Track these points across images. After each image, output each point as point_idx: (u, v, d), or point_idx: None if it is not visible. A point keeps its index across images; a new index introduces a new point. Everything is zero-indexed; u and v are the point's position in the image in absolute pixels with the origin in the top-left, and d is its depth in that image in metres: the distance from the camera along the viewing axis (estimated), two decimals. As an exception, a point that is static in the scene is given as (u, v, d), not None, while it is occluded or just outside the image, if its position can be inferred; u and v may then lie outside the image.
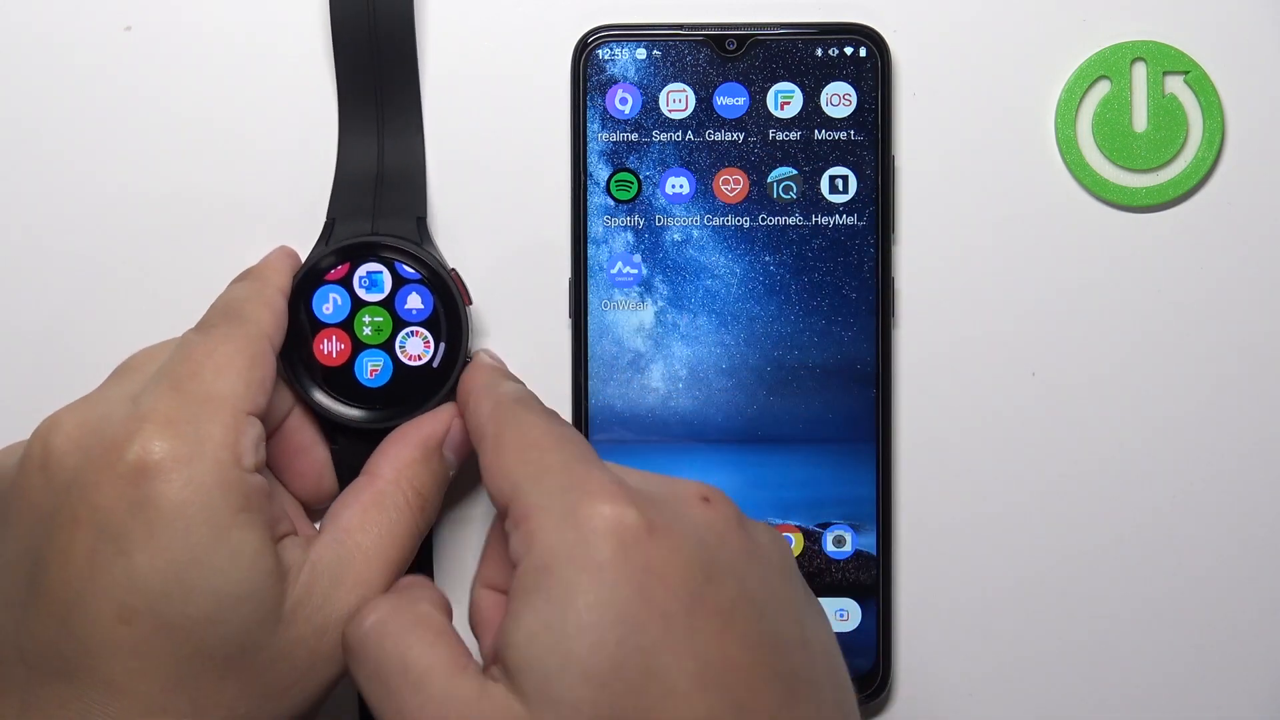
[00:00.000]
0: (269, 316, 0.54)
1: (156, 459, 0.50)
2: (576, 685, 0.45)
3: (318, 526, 0.57)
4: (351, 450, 0.58)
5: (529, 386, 0.60)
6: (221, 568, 0.50)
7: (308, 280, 0.57)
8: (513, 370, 0.60)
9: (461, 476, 0.59)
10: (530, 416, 0.51)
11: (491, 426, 0.51)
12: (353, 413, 0.57)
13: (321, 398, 0.57)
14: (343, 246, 0.57)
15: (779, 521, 0.59)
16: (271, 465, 0.57)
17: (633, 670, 0.45)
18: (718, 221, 0.59)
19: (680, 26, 0.59)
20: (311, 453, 0.58)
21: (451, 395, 0.57)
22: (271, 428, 0.56)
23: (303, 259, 0.58)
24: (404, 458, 0.56)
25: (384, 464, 0.55)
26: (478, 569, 0.51)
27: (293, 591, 0.51)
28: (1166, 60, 0.59)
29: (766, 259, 0.59)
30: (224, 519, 0.50)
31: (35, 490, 0.51)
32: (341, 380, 0.57)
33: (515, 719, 0.46)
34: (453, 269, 0.57)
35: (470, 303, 0.57)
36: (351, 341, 0.57)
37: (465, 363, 0.57)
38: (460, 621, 0.51)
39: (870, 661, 0.59)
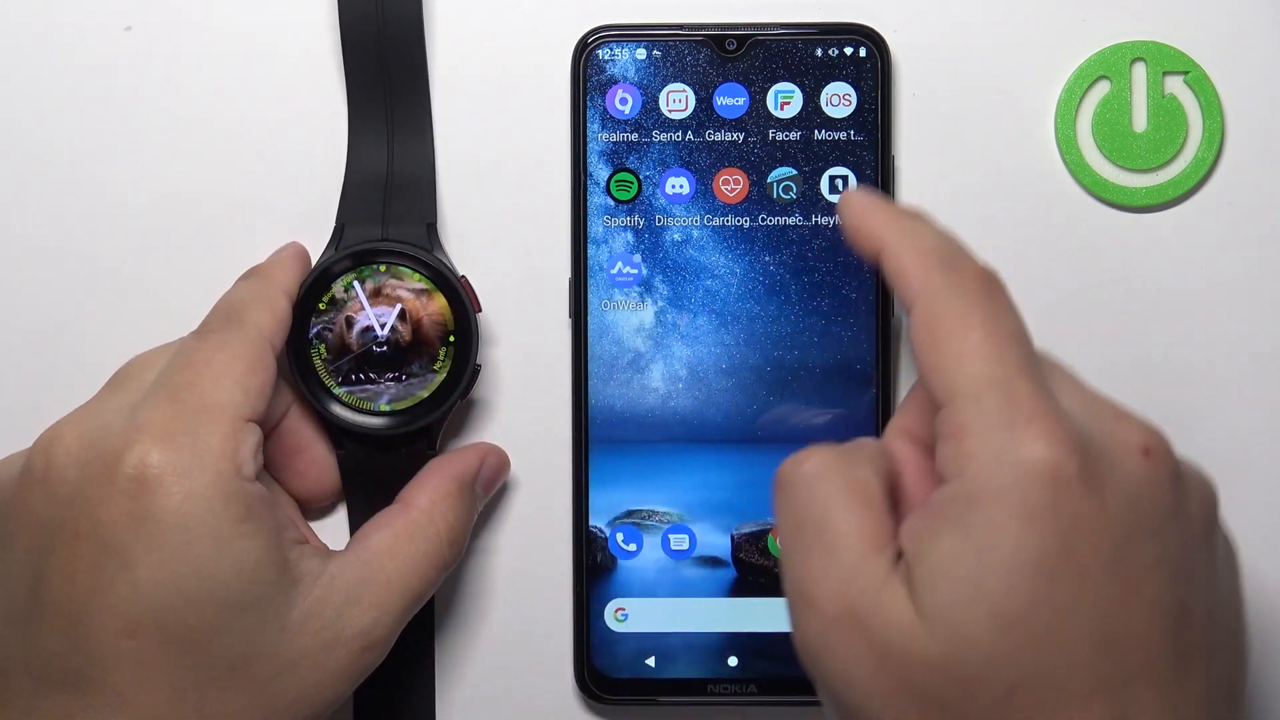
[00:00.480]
0: (269, 319, 0.54)
1: (155, 472, 0.50)
2: (980, 622, 0.44)
3: (343, 541, 0.57)
4: (357, 457, 0.58)
5: (528, 386, 0.60)
6: (224, 579, 0.50)
7: (317, 285, 0.57)
8: (513, 371, 0.60)
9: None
10: (967, 305, 0.47)
11: (925, 302, 0.47)
12: (369, 421, 0.57)
13: (337, 409, 0.57)
14: (353, 252, 0.57)
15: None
16: (269, 465, 0.57)
17: (1039, 623, 0.44)
18: (718, 221, 0.59)
19: (680, 26, 0.59)
20: (310, 451, 0.58)
21: (460, 403, 0.57)
22: (269, 428, 0.56)
23: (312, 262, 0.58)
24: (441, 490, 0.56)
25: (420, 495, 0.56)
26: (897, 415, 0.50)
27: (303, 602, 0.51)
28: (1166, 60, 0.59)
29: (766, 259, 0.59)
30: (225, 529, 0.50)
31: (36, 504, 0.51)
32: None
33: (906, 628, 0.45)
34: (463, 276, 0.57)
35: (480, 310, 0.57)
36: None
37: (475, 370, 0.57)
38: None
39: (870, 661, 0.59)
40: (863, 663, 0.45)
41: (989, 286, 0.47)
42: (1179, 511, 0.46)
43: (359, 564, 0.53)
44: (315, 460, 0.58)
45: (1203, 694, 0.45)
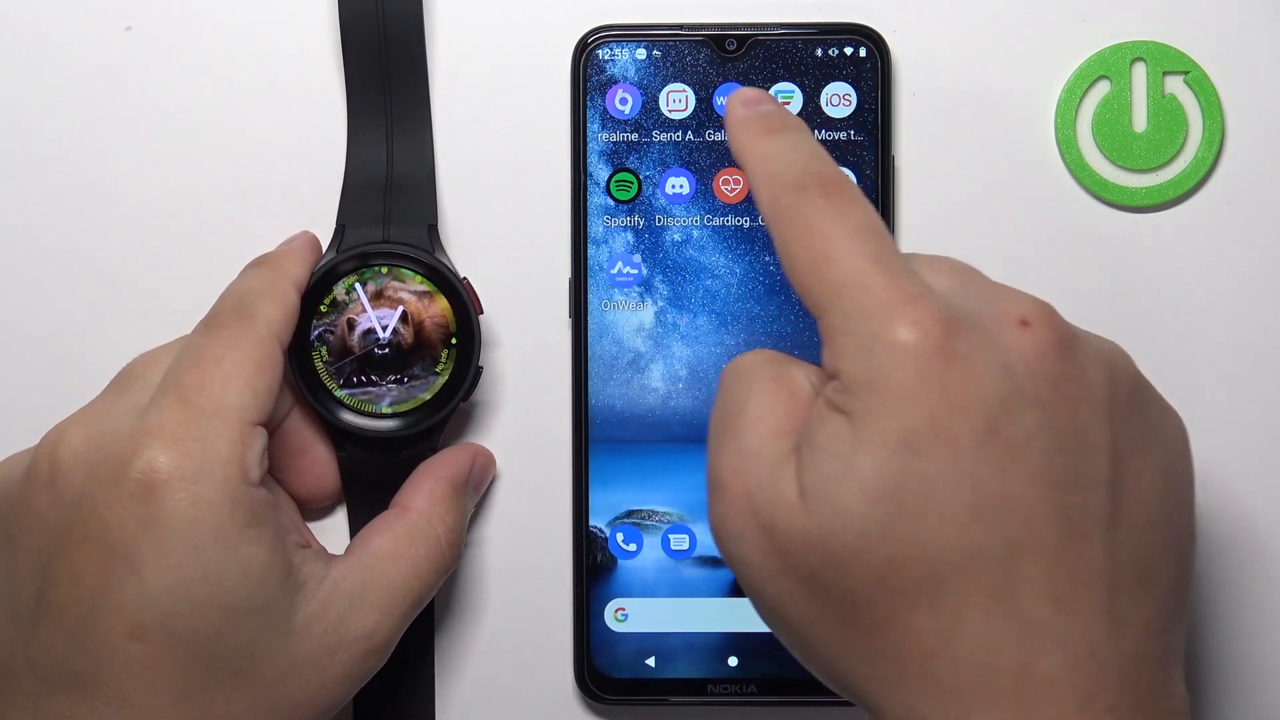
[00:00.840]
0: (280, 314, 0.54)
1: (163, 476, 0.49)
2: (852, 496, 0.44)
3: (343, 544, 0.57)
4: (358, 458, 0.58)
5: (528, 386, 0.60)
6: (231, 583, 0.50)
7: (319, 288, 0.56)
8: (513, 371, 0.60)
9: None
10: (811, 214, 0.47)
11: (775, 227, 0.48)
12: (377, 424, 0.57)
13: (343, 412, 0.57)
14: (354, 254, 0.57)
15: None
16: (270, 465, 0.57)
17: (910, 495, 0.44)
18: (718, 221, 0.59)
19: (680, 26, 0.59)
20: (311, 452, 0.58)
21: (462, 404, 0.57)
22: (272, 428, 0.56)
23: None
24: (438, 493, 0.56)
25: (417, 498, 0.56)
26: None
27: (307, 606, 0.52)
28: (1166, 60, 0.59)
29: (766, 259, 0.59)
30: (232, 535, 0.50)
31: (43, 507, 0.51)
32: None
33: (789, 506, 0.45)
34: (464, 278, 0.57)
35: (481, 312, 0.57)
36: None
37: (478, 372, 0.57)
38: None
39: (870, 661, 0.59)
40: (755, 543, 0.46)
41: (828, 190, 0.47)
42: (1067, 380, 0.45)
43: (361, 568, 0.53)
44: (316, 461, 0.58)
45: (1102, 565, 0.45)
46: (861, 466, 0.44)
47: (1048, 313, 0.46)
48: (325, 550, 0.55)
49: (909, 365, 0.45)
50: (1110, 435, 0.46)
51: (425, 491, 0.56)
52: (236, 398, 0.51)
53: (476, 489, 0.58)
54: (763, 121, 0.50)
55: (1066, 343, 0.46)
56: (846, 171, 0.53)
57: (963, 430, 0.44)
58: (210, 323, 0.53)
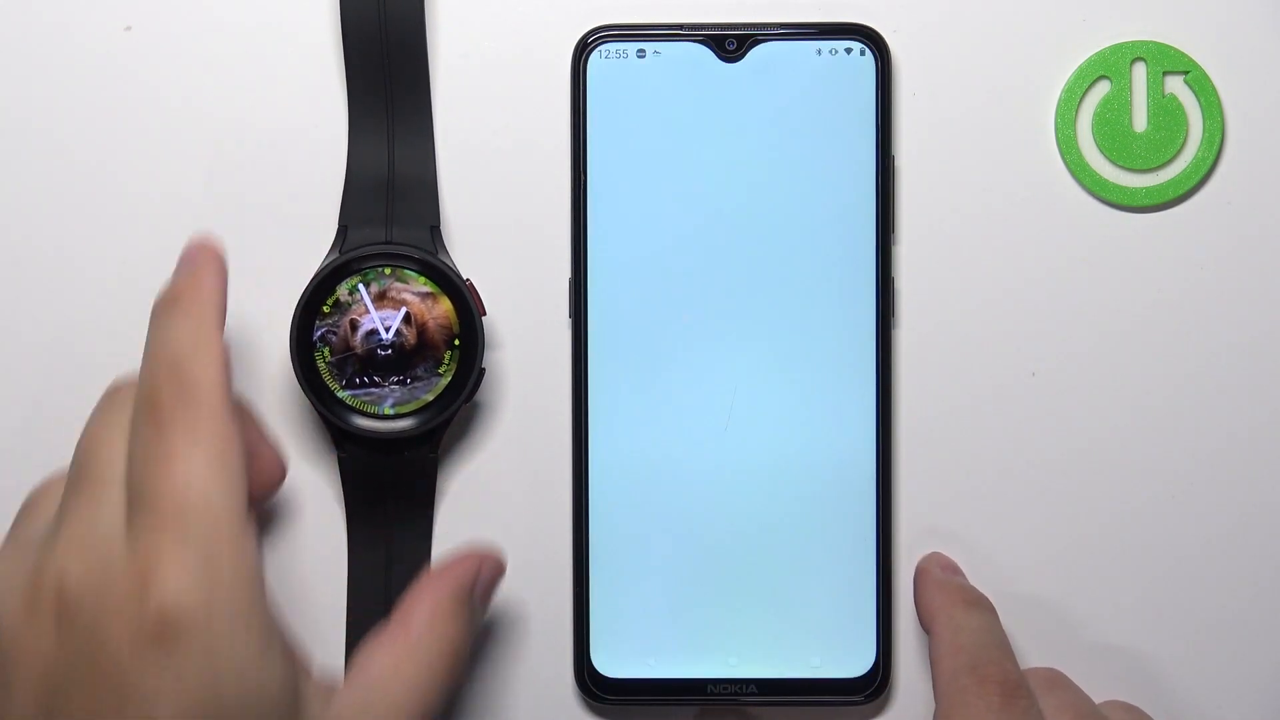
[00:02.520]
0: (219, 373, 0.48)
1: (175, 614, 0.46)
2: None
3: (342, 546, 0.57)
4: (357, 459, 0.58)
5: (529, 387, 0.60)
6: (247, 705, 0.47)
7: (322, 288, 0.56)
8: (513, 371, 0.60)
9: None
10: (978, 714, 0.53)
11: (941, 707, 0.54)
12: (383, 426, 0.57)
13: (348, 414, 0.56)
14: (358, 255, 0.56)
15: (779, 521, 0.59)
16: None
17: None
18: (718, 221, 0.59)
19: (680, 26, 0.59)
20: (257, 448, 0.54)
21: (466, 404, 0.57)
22: None
23: (299, 263, 0.57)
24: (440, 610, 0.53)
25: (418, 613, 0.53)
26: None
27: None
28: (1166, 60, 0.59)
29: (767, 259, 0.59)
30: (250, 665, 0.47)
31: (46, 642, 0.47)
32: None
33: None
34: (468, 279, 0.57)
35: (485, 313, 0.57)
36: None
37: (480, 373, 0.57)
38: None
39: (870, 661, 0.59)
40: None
41: (1007, 700, 0.53)
42: None
43: (362, 691, 0.51)
44: (260, 455, 0.54)
45: None
46: None
47: None
48: (324, 679, 0.52)
49: None
50: None
51: (427, 608, 0.53)
52: (223, 500, 0.47)
53: (484, 599, 0.56)
54: (962, 593, 0.56)
55: None
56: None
57: None
58: (155, 414, 0.48)
